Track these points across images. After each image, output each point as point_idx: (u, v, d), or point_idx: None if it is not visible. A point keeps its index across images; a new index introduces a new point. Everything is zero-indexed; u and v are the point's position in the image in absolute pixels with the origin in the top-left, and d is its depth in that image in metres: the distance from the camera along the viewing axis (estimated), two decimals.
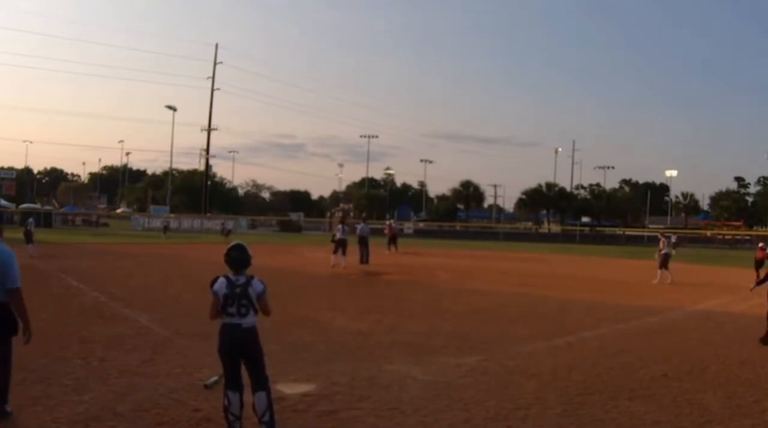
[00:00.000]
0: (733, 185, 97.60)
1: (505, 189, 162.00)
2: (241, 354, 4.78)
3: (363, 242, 22.67)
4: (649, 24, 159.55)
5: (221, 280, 4.80)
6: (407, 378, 6.93)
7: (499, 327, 10.59)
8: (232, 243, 5.01)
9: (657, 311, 12.99)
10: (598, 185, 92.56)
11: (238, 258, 4.86)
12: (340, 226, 21.35)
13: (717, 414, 5.95)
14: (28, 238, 22.90)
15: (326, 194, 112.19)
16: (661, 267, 19.15)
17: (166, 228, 43.93)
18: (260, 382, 4.80)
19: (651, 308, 13.53)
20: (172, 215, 61.40)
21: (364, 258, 22.26)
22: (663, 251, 19.29)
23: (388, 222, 37.75)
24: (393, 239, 30.63)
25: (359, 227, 23.59)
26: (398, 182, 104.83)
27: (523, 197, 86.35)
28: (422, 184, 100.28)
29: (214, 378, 5.82)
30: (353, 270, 20.13)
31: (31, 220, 25.59)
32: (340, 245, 20.55)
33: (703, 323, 11.79)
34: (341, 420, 5.47)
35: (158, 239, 38.89)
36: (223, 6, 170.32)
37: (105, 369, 6.94)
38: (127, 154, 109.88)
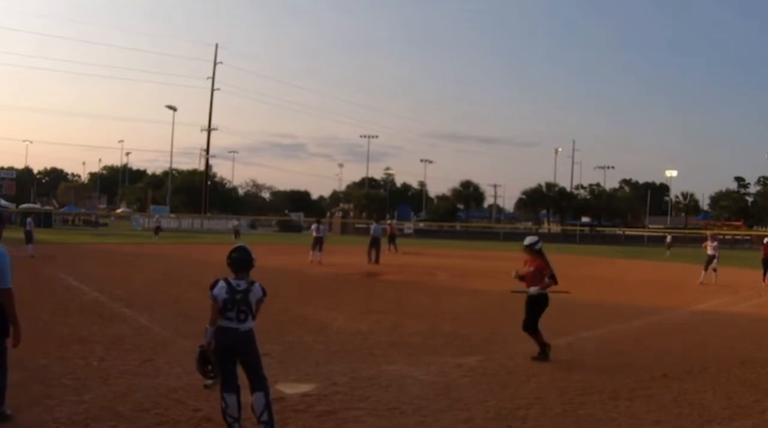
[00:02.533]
0: (733, 185, 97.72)
1: (505, 189, 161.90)
2: (238, 356, 4.74)
3: (375, 243, 23.13)
4: (649, 24, 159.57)
5: (221, 284, 4.72)
6: (407, 378, 6.93)
7: (499, 327, 10.58)
8: (235, 245, 4.96)
9: (657, 311, 13.00)
10: (598, 185, 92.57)
11: (239, 260, 4.78)
12: (315, 225, 23.11)
13: (717, 414, 5.95)
14: (28, 238, 22.99)
15: (326, 194, 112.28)
16: (706, 268, 19.31)
17: (157, 229, 41.55)
18: (258, 383, 4.76)
19: (651, 308, 13.53)
20: (172, 215, 61.39)
21: (375, 258, 22.60)
22: (709, 253, 19.40)
23: (389, 222, 40.52)
24: (392, 238, 31.24)
25: (372, 227, 24.36)
26: (398, 182, 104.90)
27: (523, 197, 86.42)
28: (422, 184, 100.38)
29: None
30: (354, 270, 20.17)
31: (29, 220, 25.63)
32: (317, 243, 22.19)
33: (703, 323, 11.79)
34: (341, 420, 5.47)
35: (149, 239, 38.21)
36: (223, 6, 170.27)
37: (105, 369, 6.93)
38: (127, 154, 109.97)
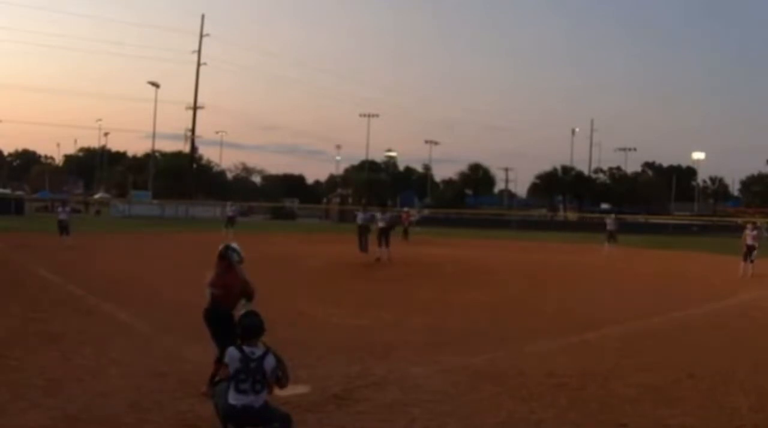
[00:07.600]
0: (766, 169, 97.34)
1: (517, 173, 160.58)
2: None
3: (361, 231, 23.17)
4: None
5: (231, 352, 4.63)
6: (409, 378, 6.93)
7: (510, 324, 10.60)
8: (244, 310, 4.86)
9: (684, 306, 12.94)
10: (618, 168, 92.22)
11: (251, 327, 4.69)
12: (379, 214, 23.30)
13: (748, 419, 5.96)
14: (62, 228, 23.61)
15: (323, 178, 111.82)
16: (746, 260, 19.32)
17: (231, 219, 31.48)
18: None
19: (678, 302, 13.48)
20: (154, 201, 61.37)
21: (363, 247, 22.65)
22: (748, 243, 19.40)
23: (406, 210, 40.97)
24: (405, 229, 32.40)
25: (359, 215, 24.38)
26: (401, 165, 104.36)
27: (537, 181, 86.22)
28: (427, 167, 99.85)
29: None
30: (352, 260, 20.25)
31: (61, 208, 26.03)
32: (381, 234, 21.90)
33: (735, 318, 11.78)
34: (341, 421, 5.51)
35: (218, 226, 32.56)
36: None
37: (82, 368, 6.95)
38: (106, 134, 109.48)
